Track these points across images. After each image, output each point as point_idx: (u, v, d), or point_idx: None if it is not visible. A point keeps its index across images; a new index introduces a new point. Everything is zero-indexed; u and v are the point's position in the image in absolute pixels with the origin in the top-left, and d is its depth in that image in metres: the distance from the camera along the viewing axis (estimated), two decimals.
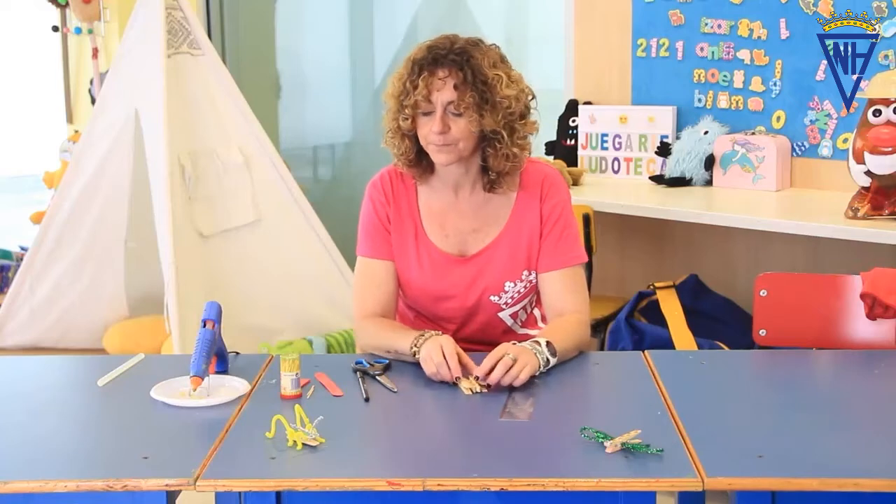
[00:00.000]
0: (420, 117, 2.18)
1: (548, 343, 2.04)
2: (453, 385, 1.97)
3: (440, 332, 2.11)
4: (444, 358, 1.98)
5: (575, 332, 2.17)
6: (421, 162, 2.26)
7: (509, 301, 2.29)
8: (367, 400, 1.92)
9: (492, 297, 2.28)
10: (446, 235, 2.28)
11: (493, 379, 1.94)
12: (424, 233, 2.29)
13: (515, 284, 2.28)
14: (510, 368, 1.95)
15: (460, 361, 1.99)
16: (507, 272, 2.27)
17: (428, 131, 2.16)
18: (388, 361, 2.10)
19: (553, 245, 2.26)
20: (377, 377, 2.03)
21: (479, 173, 2.26)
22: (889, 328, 2.33)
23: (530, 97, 2.23)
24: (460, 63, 2.13)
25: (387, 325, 2.23)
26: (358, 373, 2.04)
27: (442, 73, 2.14)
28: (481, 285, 2.27)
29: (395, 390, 1.96)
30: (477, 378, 1.96)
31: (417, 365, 2.05)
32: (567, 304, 2.25)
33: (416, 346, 2.06)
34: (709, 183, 3.64)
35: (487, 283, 2.27)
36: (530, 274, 2.28)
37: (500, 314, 2.30)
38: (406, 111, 2.17)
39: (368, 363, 2.09)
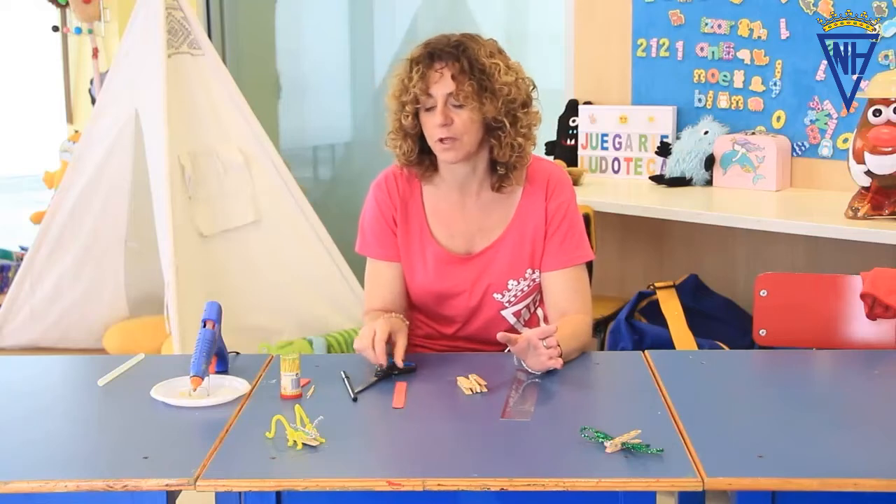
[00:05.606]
0: (423, 114, 2.18)
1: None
2: (454, 384, 1.97)
3: (395, 316, 2.17)
4: (373, 344, 2.02)
5: (580, 334, 2.17)
6: (423, 161, 2.26)
7: (512, 299, 2.29)
8: (354, 400, 1.92)
9: (495, 295, 2.28)
10: (452, 235, 2.28)
11: (543, 334, 1.95)
12: (430, 232, 2.29)
13: (519, 283, 2.28)
14: (550, 348, 1.97)
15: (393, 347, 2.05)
16: (511, 270, 2.27)
17: (433, 126, 2.16)
18: (413, 365, 2.07)
19: (558, 244, 2.26)
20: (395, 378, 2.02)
21: (487, 172, 2.26)
22: (889, 328, 2.33)
23: (531, 87, 2.23)
24: (456, 55, 2.14)
25: (371, 318, 2.21)
26: (377, 373, 2.03)
27: (438, 66, 2.15)
28: (485, 283, 2.27)
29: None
30: (477, 378, 1.96)
31: (426, 366, 2.06)
32: (570, 304, 2.25)
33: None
34: (709, 183, 3.64)
35: (491, 280, 2.27)
36: (534, 272, 2.28)
37: (503, 312, 2.30)
38: (406, 108, 2.17)
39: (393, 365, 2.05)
